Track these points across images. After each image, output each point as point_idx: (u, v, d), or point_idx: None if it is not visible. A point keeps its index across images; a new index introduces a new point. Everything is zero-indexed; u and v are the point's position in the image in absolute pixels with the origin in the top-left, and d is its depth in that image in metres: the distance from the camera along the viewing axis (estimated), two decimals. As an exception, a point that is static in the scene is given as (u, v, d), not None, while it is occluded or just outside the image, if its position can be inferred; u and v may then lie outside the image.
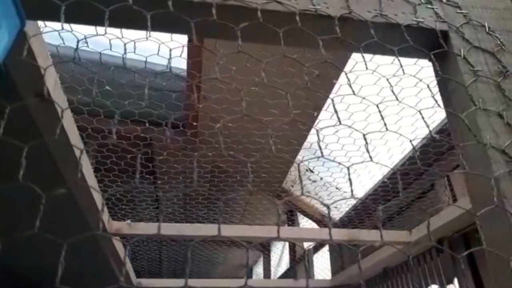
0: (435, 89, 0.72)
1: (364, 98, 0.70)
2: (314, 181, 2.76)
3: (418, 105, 1.45)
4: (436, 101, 0.69)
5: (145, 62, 1.20)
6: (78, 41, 0.66)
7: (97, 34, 0.74)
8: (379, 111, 0.61)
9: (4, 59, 0.53)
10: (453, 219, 1.78)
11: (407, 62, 0.98)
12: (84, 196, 1.50)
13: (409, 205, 2.46)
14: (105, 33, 0.61)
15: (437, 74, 0.69)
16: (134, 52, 1.11)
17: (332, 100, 0.65)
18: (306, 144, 2.39)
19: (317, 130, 0.62)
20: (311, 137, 2.31)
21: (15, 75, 0.83)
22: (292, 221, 3.78)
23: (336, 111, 0.63)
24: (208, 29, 0.67)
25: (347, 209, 3.04)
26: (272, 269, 5.01)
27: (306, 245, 3.85)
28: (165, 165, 2.30)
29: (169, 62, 0.68)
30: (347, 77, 0.69)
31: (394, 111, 1.62)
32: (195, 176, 0.60)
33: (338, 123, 0.61)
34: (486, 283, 1.78)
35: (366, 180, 2.61)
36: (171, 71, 0.60)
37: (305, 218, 3.56)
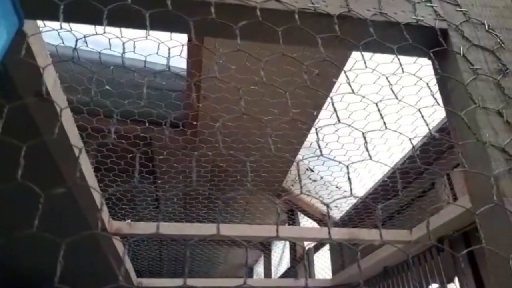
0: (435, 88, 0.72)
1: (363, 97, 0.70)
2: (315, 180, 2.76)
3: (418, 104, 1.45)
4: (435, 99, 0.69)
5: (145, 61, 1.20)
6: (76, 40, 0.66)
7: (96, 34, 0.74)
8: (378, 110, 0.61)
9: (2, 58, 0.52)
10: (453, 218, 1.78)
11: (407, 60, 0.98)
12: (84, 196, 1.50)
13: (409, 204, 2.46)
14: (104, 32, 0.61)
15: (436, 73, 0.69)
16: (134, 51, 1.11)
17: (332, 98, 0.65)
18: (306, 143, 2.39)
19: (316, 129, 0.62)
20: (311, 136, 2.31)
21: (15, 74, 0.83)
22: (292, 221, 3.78)
23: (335, 110, 0.63)
24: (207, 28, 0.67)
25: (347, 208, 3.04)
26: (273, 268, 5.01)
27: (307, 244, 3.85)
28: (165, 165, 2.30)
29: (168, 61, 0.68)
30: (346, 76, 0.69)
31: (394, 109, 1.62)
32: (194, 176, 0.60)
33: (337, 122, 0.61)
34: (487, 282, 1.78)
35: (367, 179, 2.61)
36: (169, 70, 0.60)
37: (306, 218, 3.56)
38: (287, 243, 4.35)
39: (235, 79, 1.30)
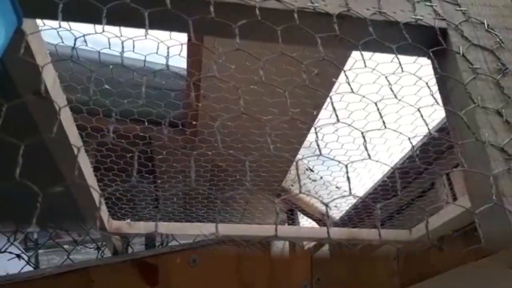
0: (435, 87, 0.72)
1: (363, 96, 0.70)
2: (314, 180, 2.75)
3: (417, 104, 1.44)
4: (435, 99, 0.68)
5: (144, 61, 1.20)
6: (75, 39, 0.66)
7: (95, 33, 0.73)
8: (378, 109, 0.61)
9: (1, 56, 0.52)
10: (453, 218, 1.78)
11: (407, 60, 0.98)
12: (83, 195, 1.50)
13: (409, 204, 2.46)
14: (103, 31, 0.61)
15: (436, 72, 0.69)
16: (133, 50, 1.11)
17: (331, 98, 0.65)
18: (306, 143, 2.39)
19: (315, 128, 0.62)
20: (311, 136, 2.31)
21: (13, 73, 0.83)
22: (292, 220, 3.77)
23: (334, 109, 0.63)
24: (206, 27, 0.67)
25: (347, 208, 3.03)
26: (272, 268, 5.01)
27: (306, 244, 3.84)
28: (164, 164, 2.30)
29: (167, 60, 0.68)
30: (345, 75, 0.69)
31: (394, 109, 1.62)
32: (193, 175, 0.60)
33: (337, 121, 0.61)
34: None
35: (366, 179, 2.60)
36: (168, 68, 0.60)
37: (305, 217, 3.56)
38: (287, 243, 4.35)
39: (234, 79, 1.30)
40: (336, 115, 0.60)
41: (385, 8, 0.70)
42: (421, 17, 0.70)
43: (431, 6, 0.72)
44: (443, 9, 0.72)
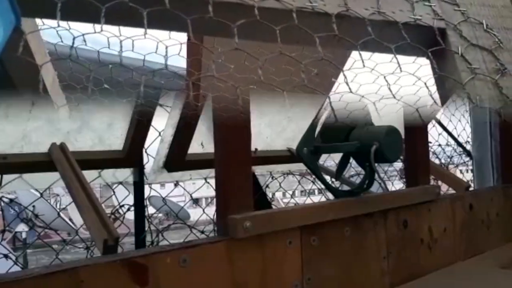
0: (434, 88, 0.72)
1: (362, 96, 0.70)
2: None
3: (416, 104, 1.44)
4: (433, 99, 0.68)
5: (143, 60, 1.19)
6: (74, 38, 0.66)
7: (94, 32, 0.73)
8: (376, 109, 0.61)
9: (0, 55, 0.52)
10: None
11: (406, 60, 0.98)
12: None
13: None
14: (101, 30, 0.61)
15: (434, 72, 0.69)
16: (132, 50, 1.10)
17: (329, 97, 0.65)
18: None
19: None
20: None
21: (12, 72, 0.83)
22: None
23: (333, 109, 0.63)
24: (205, 27, 0.67)
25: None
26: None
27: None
28: (164, 164, 2.29)
29: (165, 60, 0.68)
30: (344, 75, 0.69)
31: (393, 109, 1.62)
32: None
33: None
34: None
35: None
36: (167, 68, 0.60)
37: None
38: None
39: (233, 78, 1.30)
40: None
41: (384, 8, 0.70)
42: (419, 17, 0.70)
43: (430, 6, 0.72)
44: (441, 9, 0.72)
